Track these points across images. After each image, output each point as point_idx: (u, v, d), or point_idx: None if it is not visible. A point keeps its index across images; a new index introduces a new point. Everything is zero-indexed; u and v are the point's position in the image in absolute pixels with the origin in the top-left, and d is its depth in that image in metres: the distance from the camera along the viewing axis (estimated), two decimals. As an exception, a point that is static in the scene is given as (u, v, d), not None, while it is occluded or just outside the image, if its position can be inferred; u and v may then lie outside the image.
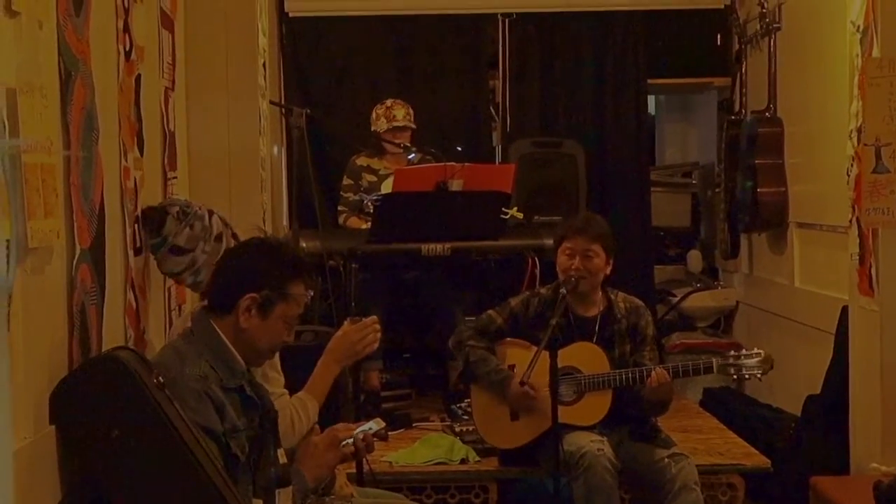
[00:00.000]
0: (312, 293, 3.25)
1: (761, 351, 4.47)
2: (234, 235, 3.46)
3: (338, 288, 5.56)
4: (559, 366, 4.27)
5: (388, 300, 6.04)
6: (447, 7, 7.35)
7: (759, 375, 4.46)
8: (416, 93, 7.08)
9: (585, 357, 4.54)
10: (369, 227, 5.72)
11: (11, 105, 2.35)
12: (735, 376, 4.55)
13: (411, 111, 6.29)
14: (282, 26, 7.14)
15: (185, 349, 2.91)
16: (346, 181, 6.35)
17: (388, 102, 6.32)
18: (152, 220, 3.46)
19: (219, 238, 3.41)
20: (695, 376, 4.55)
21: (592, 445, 4.29)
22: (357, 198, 6.27)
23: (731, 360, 4.45)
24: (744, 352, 4.47)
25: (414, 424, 5.66)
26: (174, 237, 3.41)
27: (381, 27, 7.35)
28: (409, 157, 6.21)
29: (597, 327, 4.59)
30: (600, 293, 4.62)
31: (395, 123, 6.21)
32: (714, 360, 4.46)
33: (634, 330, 4.62)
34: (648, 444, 4.46)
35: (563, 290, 4.48)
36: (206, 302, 3.03)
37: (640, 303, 4.71)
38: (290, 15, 7.21)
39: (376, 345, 3.54)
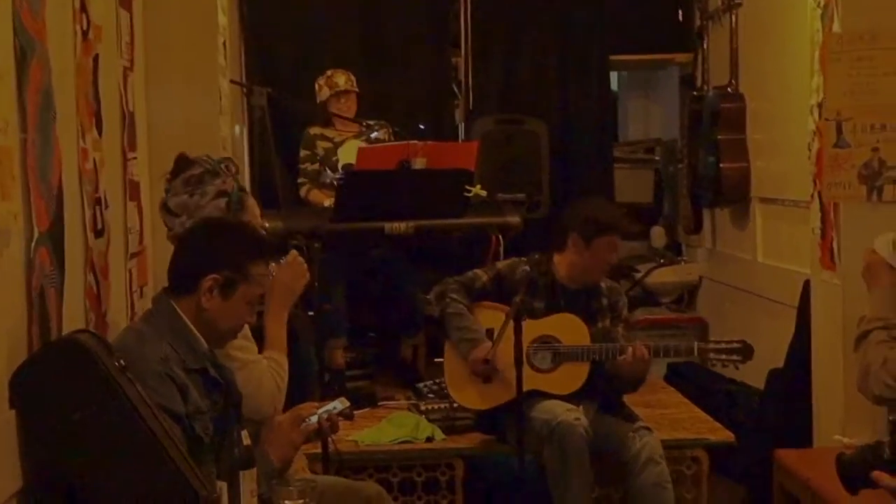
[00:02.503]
0: (274, 274, 3.23)
1: (741, 340, 4.49)
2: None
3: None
4: (540, 334, 4.29)
5: (351, 279, 6.03)
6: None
7: (737, 366, 4.49)
8: (379, 71, 7.07)
9: (566, 328, 4.57)
10: (332, 202, 5.70)
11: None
12: (714, 363, 4.57)
13: (353, 77, 6.31)
14: (242, 3, 7.08)
15: (146, 331, 2.89)
16: (303, 153, 6.35)
17: (329, 72, 6.35)
18: (176, 167, 3.41)
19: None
20: (675, 357, 4.56)
21: (569, 414, 4.31)
22: (315, 167, 6.26)
23: (711, 346, 4.48)
24: (724, 340, 4.51)
25: (379, 403, 5.66)
26: (171, 195, 3.37)
27: (344, 4, 7.31)
28: (372, 134, 6.19)
29: (581, 301, 4.63)
30: None
31: (337, 89, 6.25)
32: (695, 345, 4.49)
33: (613, 308, 4.68)
34: (614, 418, 4.50)
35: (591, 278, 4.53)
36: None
37: (616, 284, 4.80)
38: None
39: (308, 276, 3.51)
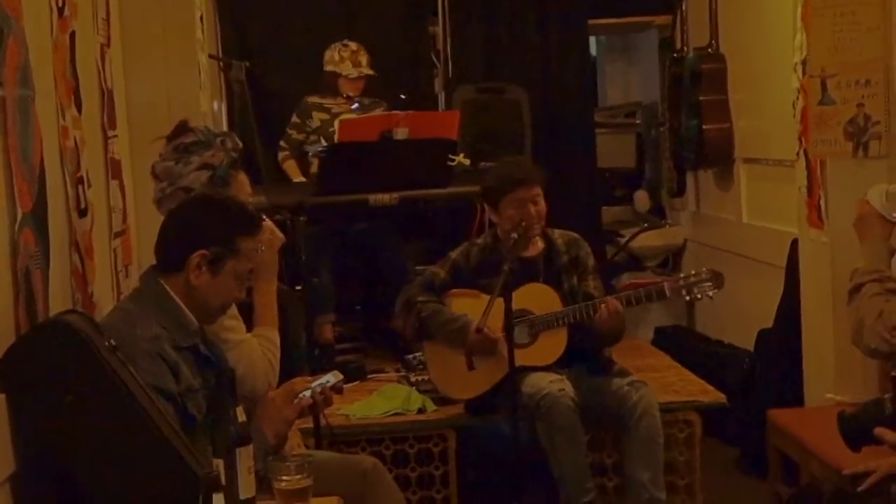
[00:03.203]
0: (263, 248, 3.20)
1: (710, 269, 4.47)
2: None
3: (285, 243, 5.49)
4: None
5: (337, 253, 6.00)
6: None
7: (710, 294, 4.44)
8: (357, 40, 6.98)
9: (535, 297, 4.54)
10: (303, 179, 5.66)
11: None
12: (688, 297, 4.52)
13: (366, 58, 6.27)
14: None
15: (135, 310, 2.85)
16: (294, 119, 6.29)
17: (353, 46, 6.27)
18: (173, 132, 3.37)
19: (186, 191, 3.27)
20: (647, 302, 4.52)
21: (552, 385, 4.30)
22: (300, 137, 6.21)
23: (681, 283, 4.45)
24: (693, 272, 4.49)
25: (369, 376, 5.64)
26: (161, 160, 3.33)
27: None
28: (353, 106, 6.15)
29: (541, 266, 4.61)
30: None
31: (364, 71, 6.18)
32: (665, 283, 4.47)
33: (576, 262, 4.65)
34: (606, 377, 4.49)
35: (514, 236, 4.46)
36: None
37: (576, 235, 4.75)
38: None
39: (282, 238, 3.47)
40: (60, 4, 3.39)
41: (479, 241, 4.73)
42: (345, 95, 6.15)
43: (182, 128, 3.40)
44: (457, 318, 4.57)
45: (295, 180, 5.96)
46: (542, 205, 4.54)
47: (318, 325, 5.70)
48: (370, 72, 6.25)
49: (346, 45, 6.28)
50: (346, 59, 6.22)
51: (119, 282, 3.94)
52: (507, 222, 4.53)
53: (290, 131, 6.28)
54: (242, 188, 3.39)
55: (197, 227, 2.92)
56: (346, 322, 6.15)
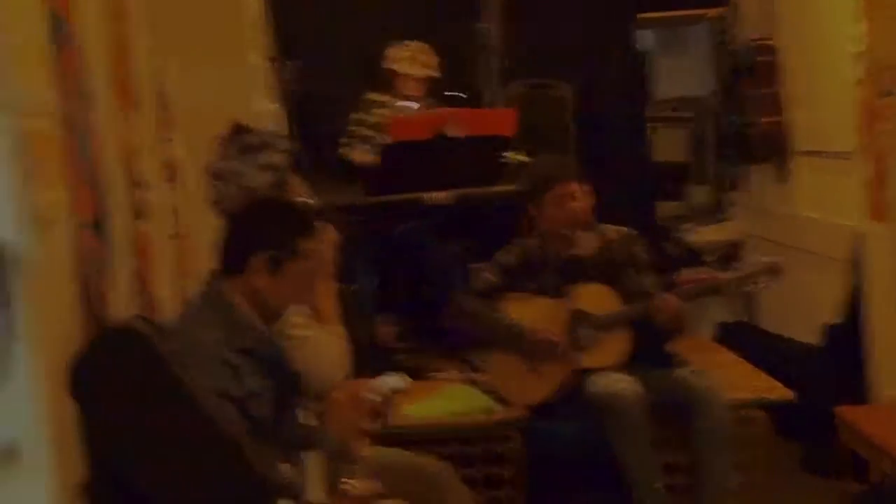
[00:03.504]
0: (332, 252, 3.17)
1: (767, 260, 4.40)
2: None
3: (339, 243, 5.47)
4: (569, 311, 4.20)
5: (392, 252, 5.96)
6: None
7: (769, 283, 4.36)
8: (406, 38, 6.94)
9: (593, 297, 4.48)
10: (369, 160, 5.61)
11: (3, 72, 2.24)
12: (746, 290, 4.45)
13: (431, 59, 6.21)
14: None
15: (198, 314, 2.84)
16: (355, 115, 6.20)
17: (416, 45, 6.20)
18: (230, 132, 3.35)
19: (249, 191, 3.25)
20: (706, 297, 4.46)
21: (618, 385, 4.23)
22: (366, 133, 6.13)
23: (739, 275, 4.38)
24: (749, 264, 4.42)
25: (431, 376, 5.58)
26: (220, 159, 3.31)
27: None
28: (409, 104, 6.10)
29: (596, 265, 4.54)
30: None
31: (430, 73, 6.12)
32: (722, 277, 4.40)
33: (632, 258, 4.57)
34: (670, 369, 4.43)
35: (577, 234, 4.40)
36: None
37: (630, 230, 4.66)
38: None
39: (338, 238, 3.44)
40: (114, 8, 3.38)
41: (529, 241, 4.66)
42: (404, 94, 6.09)
43: (239, 128, 3.38)
44: (515, 323, 4.50)
45: (361, 161, 5.88)
46: (584, 200, 4.47)
47: (377, 325, 5.67)
48: (431, 72, 6.18)
49: (407, 45, 6.22)
50: (406, 58, 6.16)
51: (178, 283, 3.93)
52: (549, 221, 4.48)
53: (352, 127, 6.21)
54: (298, 189, 3.38)
55: (256, 230, 2.90)
56: (405, 322, 6.10)
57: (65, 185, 2.60)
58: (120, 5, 3.45)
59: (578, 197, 4.46)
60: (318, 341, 3.23)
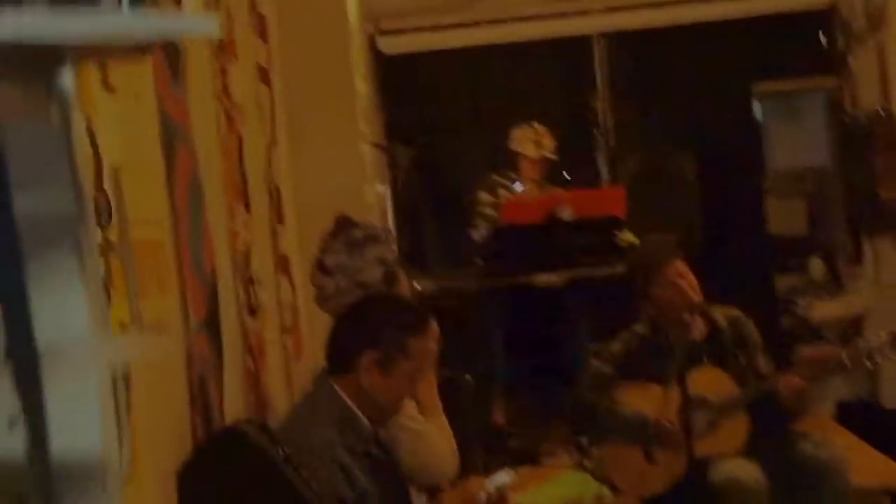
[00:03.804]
0: (436, 346, 3.16)
1: (891, 330, 4.26)
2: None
3: (453, 327, 5.48)
4: (686, 397, 4.12)
5: (506, 335, 5.95)
6: (543, 32, 7.25)
7: (893, 357, 4.22)
8: (518, 119, 6.97)
9: (708, 382, 4.37)
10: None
11: (116, 184, 2.30)
12: (869, 364, 4.31)
13: (550, 143, 6.20)
14: (378, 65, 7.09)
15: (308, 415, 2.84)
16: (483, 196, 6.20)
17: (539, 128, 6.20)
18: (337, 226, 3.37)
19: (361, 286, 3.26)
20: (827, 376, 4.33)
21: (740, 472, 4.11)
22: (494, 213, 6.11)
23: (861, 349, 4.25)
24: (872, 336, 4.28)
25: (541, 461, 5.53)
26: (329, 254, 3.32)
27: (479, 56, 7.28)
28: (514, 186, 6.11)
29: (705, 349, 4.44)
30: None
31: (544, 153, 6.12)
32: (844, 353, 4.27)
33: (741, 340, 4.46)
34: (791, 449, 4.31)
35: (688, 317, 4.33)
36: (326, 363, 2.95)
37: (738, 312, 4.54)
38: (386, 53, 7.16)
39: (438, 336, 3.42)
40: (228, 108, 3.45)
41: (638, 327, 4.58)
42: (526, 175, 6.11)
43: (346, 222, 3.39)
44: (632, 414, 4.42)
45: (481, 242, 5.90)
46: (692, 277, 4.39)
47: (488, 408, 5.64)
48: (550, 155, 6.17)
49: (531, 126, 6.22)
50: (529, 140, 6.16)
51: (290, 377, 3.95)
52: (658, 304, 4.40)
53: (481, 209, 6.21)
54: (405, 284, 3.38)
55: (367, 328, 2.90)
56: (516, 403, 6.06)
57: (177, 289, 2.64)
58: (234, 105, 3.51)
59: (686, 276, 4.38)
60: (430, 435, 3.21)
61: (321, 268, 3.33)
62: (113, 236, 2.23)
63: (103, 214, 2.20)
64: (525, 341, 6.13)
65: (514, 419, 5.93)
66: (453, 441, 3.28)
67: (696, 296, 4.36)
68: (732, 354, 4.43)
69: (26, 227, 0.89)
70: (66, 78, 0.85)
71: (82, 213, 0.88)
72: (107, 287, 2.16)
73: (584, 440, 5.41)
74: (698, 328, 4.44)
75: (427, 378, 3.37)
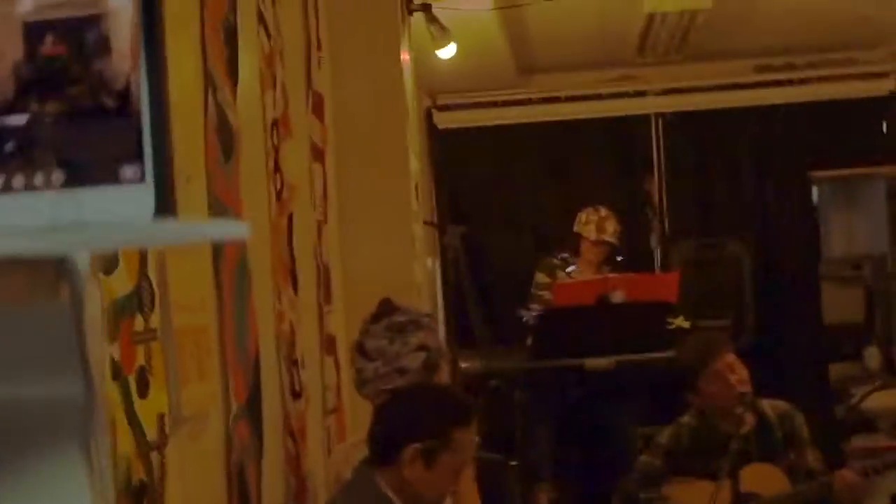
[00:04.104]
0: (479, 439, 3.09)
1: None
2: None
3: (499, 408, 5.42)
4: (736, 495, 4.02)
5: (553, 418, 5.87)
6: (598, 111, 7.22)
7: None
8: (571, 198, 6.94)
9: (759, 478, 4.27)
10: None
11: (161, 269, 2.26)
12: None
13: (620, 226, 6.13)
14: (432, 141, 7.09)
15: (349, 506, 2.78)
16: (541, 278, 6.14)
17: (603, 212, 6.14)
18: (379, 310, 3.32)
19: (401, 372, 3.21)
20: (883, 470, 4.21)
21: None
22: (546, 293, 6.04)
23: None
24: None
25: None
26: (369, 337, 3.26)
27: (532, 134, 7.27)
28: (569, 269, 6.05)
29: (755, 443, 4.33)
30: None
31: (605, 237, 6.05)
32: None
33: (791, 436, 4.35)
34: None
35: (738, 410, 4.23)
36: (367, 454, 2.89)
37: (787, 405, 4.45)
38: (440, 128, 7.16)
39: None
40: (279, 187, 3.42)
41: (687, 418, 4.48)
42: (583, 259, 6.05)
43: (389, 306, 3.35)
44: None
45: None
46: (742, 370, 4.29)
47: (533, 494, 5.55)
48: (611, 239, 6.09)
49: (596, 210, 6.16)
50: (591, 223, 6.10)
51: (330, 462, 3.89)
52: (709, 398, 4.31)
53: (538, 292, 6.14)
54: (447, 371, 3.32)
55: (410, 420, 2.84)
56: (562, 489, 5.96)
57: (219, 375, 2.60)
58: (286, 184, 3.49)
59: (736, 369, 4.30)
60: None
61: (361, 351, 3.28)
62: (154, 323, 2.19)
63: (146, 301, 2.16)
64: (572, 425, 6.04)
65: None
66: None
67: (745, 389, 4.27)
68: (782, 449, 4.33)
69: (28, 418, 0.84)
70: (81, 255, 0.81)
71: (92, 403, 0.83)
72: (145, 376, 2.12)
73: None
74: (746, 422, 4.34)
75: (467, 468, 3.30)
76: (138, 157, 0.66)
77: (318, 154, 4.09)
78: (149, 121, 0.65)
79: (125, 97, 0.65)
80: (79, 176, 0.68)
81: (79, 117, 0.68)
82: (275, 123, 3.42)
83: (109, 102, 0.67)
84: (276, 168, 3.41)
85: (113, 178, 0.66)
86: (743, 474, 4.17)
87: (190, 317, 2.42)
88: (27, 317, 0.81)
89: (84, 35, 0.68)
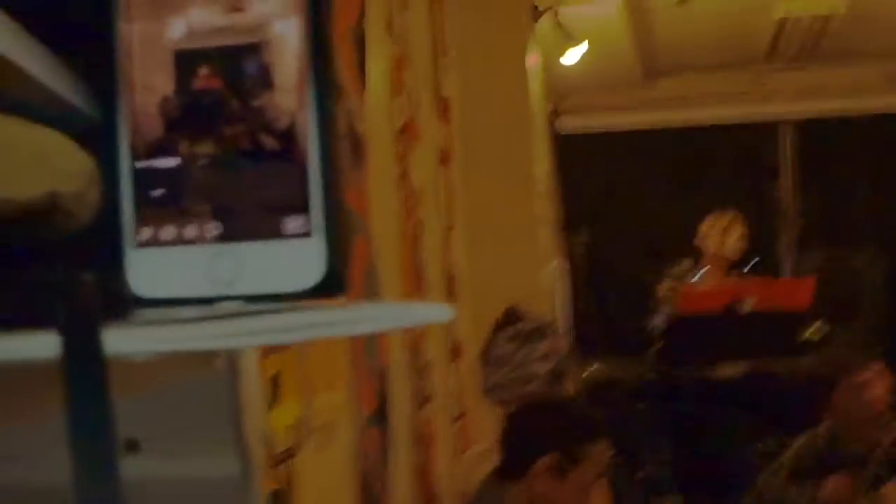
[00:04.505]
0: (612, 453, 3.03)
1: None
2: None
3: (622, 418, 5.33)
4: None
5: (678, 428, 5.75)
6: (725, 116, 7.08)
7: None
8: (696, 205, 6.80)
9: None
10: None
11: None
12: None
13: (746, 230, 5.97)
14: (555, 145, 7.00)
15: (477, 519, 2.73)
16: (664, 288, 6.02)
17: (725, 220, 5.98)
18: (505, 318, 3.30)
19: (527, 379, 3.19)
20: None
21: None
22: (670, 302, 5.92)
23: None
24: None
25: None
26: (495, 346, 3.25)
27: (657, 138, 7.15)
28: (697, 275, 5.93)
29: (890, 464, 4.17)
30: None
31: (726, 253, 5.89)
32: None
33: None
34: None
35: (873, 430, 4.08)
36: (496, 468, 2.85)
37: None
38: (563, 133, 7.08)
39: None
40: (408, 195, 3.39)
41: (817, 433, 4.33)
42: (709, 265, 5.92)
43: (514, 314, 3.32)
44: None
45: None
46: (880, 387, 4.13)
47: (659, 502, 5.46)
48: (731, 255, 5.91)
49: (718, 220, 6.01)
50: (712, 236, 5.95)
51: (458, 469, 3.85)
52: (842, 413, 4.15)
53: (660, 298, 6.02)
54: (572, 380, 3.29)
55: (543, 432, 2.79)
56: (690, 502, 5.84)
57: (349, 384, 2.57)
58: (414, 189, 3.46)
59: (874, 386, 4.13)
60: None
61: (487, 359, 3.27)
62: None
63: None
64: (697, 436, 5.91)
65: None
66: None
67: (881, 408, 4.12)
68: None
69: (183, 499, 0.80)
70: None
71: (248, 483, 0.78)
72: (278, 385, 2.10)
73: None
74: (885, 440, 4.19)
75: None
76: (304, 207, 0.59)
77: (444, 159, 4.05)
78: (317, 166, 0.58)
79: (289, 138, 0.58)
80: (236, 228, 0.60)
81: (236, 161, 0.60)
82: (403, 129, 3.40)
83: (271, 144, 0.60)
84: (404, 174, 3.38)
85: (275, 231, 0.59)
86: (880, 496, 4.03)
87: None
88: (180, 390, 0.77)
89: (242, 67, 0.61)
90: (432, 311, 0.57)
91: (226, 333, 0.54)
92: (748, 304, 5.40)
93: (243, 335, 0.55)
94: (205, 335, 0.52)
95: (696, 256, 6.03)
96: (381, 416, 2.85)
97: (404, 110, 3.44)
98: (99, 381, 0.45)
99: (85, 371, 0.46)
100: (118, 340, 0.47)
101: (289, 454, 2.16)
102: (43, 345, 0.45)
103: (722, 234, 5.96)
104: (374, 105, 3.00)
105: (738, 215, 6.07)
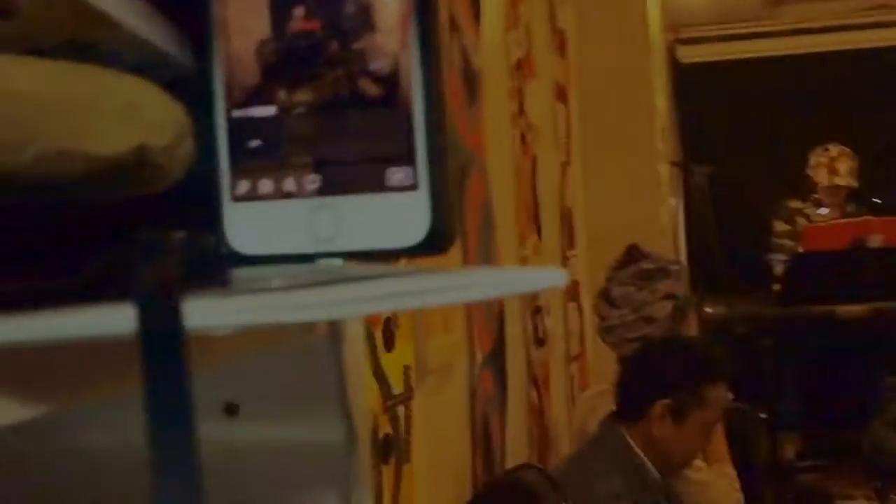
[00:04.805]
0: (733, 396, 2.95)
1: None
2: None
3: (746, 356, 5.22)
4: None
5: (802, 366, 5.63)
6: (851, 42, 6.83)
7: None
8: (824, 138, 6.60)
9: None
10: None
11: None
12: None
13: (856, 163, 5.79)
14: (675, 77, 6.84)
15: (594, 463, 2.68)
16: (779, 226, 5.89)
17: (834, 152, 5.82)
18: (626, 257, 3.24)
19: (648, 320, 3.12)
20: None
21: None
22: (793, 244, 5.79)
23: None
24: None
25: (836, 502, 5.20)
26: (616, 285, 3.19)
27: (780, 68, 6.92)
28: (820, 210, 5.76)
29: None
30: None
31: (837, 181, 5.74)
32: None
33: None
34: None
35: None
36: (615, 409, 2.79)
37: None
38: (683, 63, 6.91)
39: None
40: (523, 130, 3.33)
41: None
42: (823, 201, 5.74)
43: (637, 252, 3.24)
44: None
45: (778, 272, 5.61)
46: None
47: (779, 441, 5.35)
48: (846, 182, 5.75)
49: (826, 150, 5.84)
50: (822, 166, 5.78)
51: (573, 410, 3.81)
52: None
53: (779, 240, 5.88)
54: (693, 320, 3.20)
55: (661, 374, 2.73)
56: (810, 438, 5.72)
57: (463, 326, 2.54)
58: (530, 125, 3.40)
59: None
60: (717, 487, 3.02)
61: (607, 299, 3.20)
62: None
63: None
64: (821, 373, 5.78)
65: (804, 455, 5.60)
66: (740, 492, 3.09)
67: None
68: None
69: (284, 463, 0.76)
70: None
71: (353, 451, 0.74)
72: (391, 329, 2.07)
73: (879, 483, 5.06)
74: None
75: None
76: (409, 158, 0.53)
77: (561, 94, 3.97)
78: (422, 113, 0.52)
79: (392, 83, 0.52)
80: (336, 181, 0.55)
81: (335, 109, 0.55)
82: (518, 64, 3.33)
83: (373, 90, 0.54)
84: (520, 110, 3.32)
85: (378, 183, 0.54)
86: None
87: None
88: (281, 353, 0.73)
89: (341, 6, 0.55)
90: (547, 276, 0.51)
91: (321, 303, 0.49)
92: (876, 241, 5.24)
93: (342, 304, 0.51)
94: (295, 305, 0.48)
95: (814, 191, 5.86)
96: (497, 357, 2.82)
97: (520, 44, 3.37)
98: (177, 361, 0.41)
99: (163, 348, 0.41)
100: (202, 313, 0.43)
101: (405, 397, 2.14)
102: (118, 319, 0.41)
103: (829, 168, 5.77)
104: (488, 40, 2.94)
105: (845, 150, 5.87)
